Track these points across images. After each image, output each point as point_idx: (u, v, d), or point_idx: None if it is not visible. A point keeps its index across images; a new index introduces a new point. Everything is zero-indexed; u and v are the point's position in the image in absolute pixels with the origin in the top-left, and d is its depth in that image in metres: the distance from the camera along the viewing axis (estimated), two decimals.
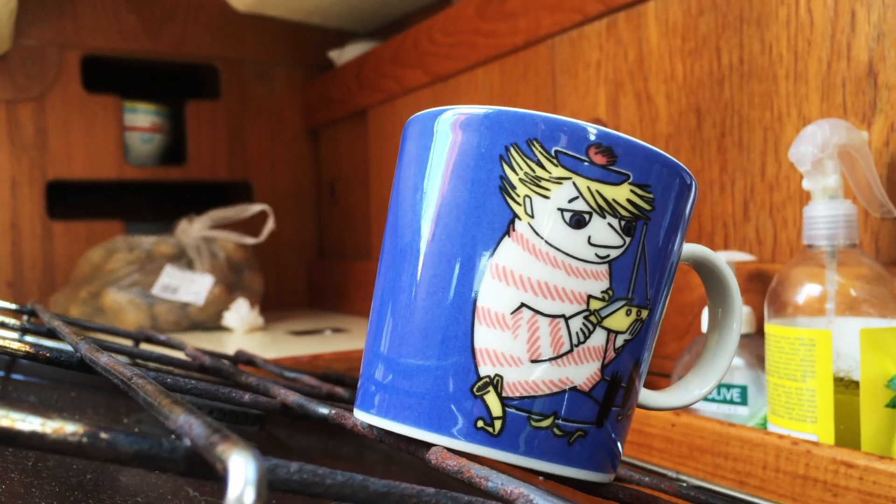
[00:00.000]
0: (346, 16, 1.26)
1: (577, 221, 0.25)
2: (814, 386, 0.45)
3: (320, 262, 1.33)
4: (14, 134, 1.12)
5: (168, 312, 1.00)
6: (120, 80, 1.27)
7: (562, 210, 0.25)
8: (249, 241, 1.09)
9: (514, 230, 0.25)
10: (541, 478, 0.27)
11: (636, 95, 0.69)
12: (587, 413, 0.25)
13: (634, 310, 0.26)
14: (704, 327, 0.56)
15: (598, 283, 0.25)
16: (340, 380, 0.53)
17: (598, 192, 0.25)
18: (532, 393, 0.25)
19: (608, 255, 0.25)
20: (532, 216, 0.25)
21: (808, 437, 0.44)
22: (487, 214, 0.25)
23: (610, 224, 0.25)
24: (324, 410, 0.29)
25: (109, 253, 1.03)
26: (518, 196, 0.25)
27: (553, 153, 0.25)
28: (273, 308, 1.28)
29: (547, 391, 0.25)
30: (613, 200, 0.25)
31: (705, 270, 0.30)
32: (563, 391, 0.25)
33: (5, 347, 0.29)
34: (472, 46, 0.88)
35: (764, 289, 0.57)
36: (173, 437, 0.17)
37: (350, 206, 1.24)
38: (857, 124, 0.52)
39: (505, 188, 0.25)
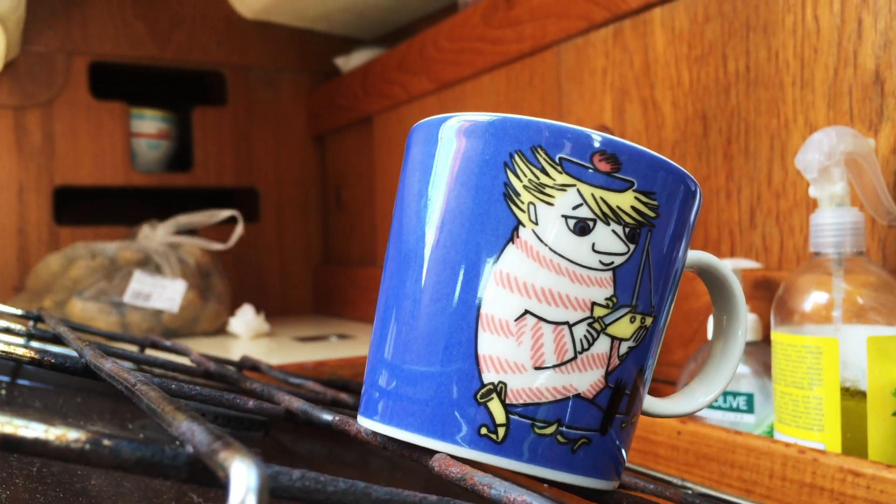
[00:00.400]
0: (353, 23, 1.27)
1: (582, 228, 0.25)
2: (820, 394, 0.44)
3: (326, 269, 1.33)
4: (22, 140, 1.13)
5: (142, 320, 0.97)
6: (127, 87, 1.28)
7: (566, 217, 0.25)
8: (217, 246, 1.06)
9: (517, 237, 0.25)
10: (546, 485, 0.27)
11: (642, 102, 0.69)
12: (591, 420, 0.25)
13: (639, 317, 0.26)
14: (710, 335, 0.55)
15: (602, 291, 0.25)
16: (345, 386, 0.53)
17: (602, 199, 0.25)
18: (536, 400, 0.25)
19: (612, 263, 0.25)
20: (536, 223, 0.25)
21: (815, 445, 0.44)
22: (491, 221, 0.25)
23: (614, 231, 0.25)
24: (328, 417, 0.29)
25: (70, 260, 0.98)
26: (522, 203, 0.25)
27: (557, 160, 0.25)
28: (278, 314, 1.28)
29: (551, 398, 0.25)
30: (618, 207, 0.25)
31: (710, 277, 0.30)
32: (567, 398, 0.25)
33: (11, 353, 0.29)
34: (478, 53, 0.88)
35: (770, 296, 0.57)
36: (177, 443, 0.17)
37: (355, 212, 1.25)
38: (863, 132, 0.52)
39: (509, 195, 0.25)
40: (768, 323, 0.55)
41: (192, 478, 0.16)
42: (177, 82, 1.34)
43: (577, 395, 0.25)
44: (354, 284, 1.22)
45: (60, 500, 0.32)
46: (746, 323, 0.30)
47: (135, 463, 0.15)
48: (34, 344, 0.47)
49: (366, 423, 0.27)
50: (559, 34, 0.76)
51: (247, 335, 1.01)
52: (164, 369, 0.42)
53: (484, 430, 0.24)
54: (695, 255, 0.29)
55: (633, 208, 0.25)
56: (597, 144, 0.25)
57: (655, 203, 0.25)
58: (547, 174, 0.25)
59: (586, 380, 0.25)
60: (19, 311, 0.50)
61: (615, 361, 0.25)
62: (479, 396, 0.24)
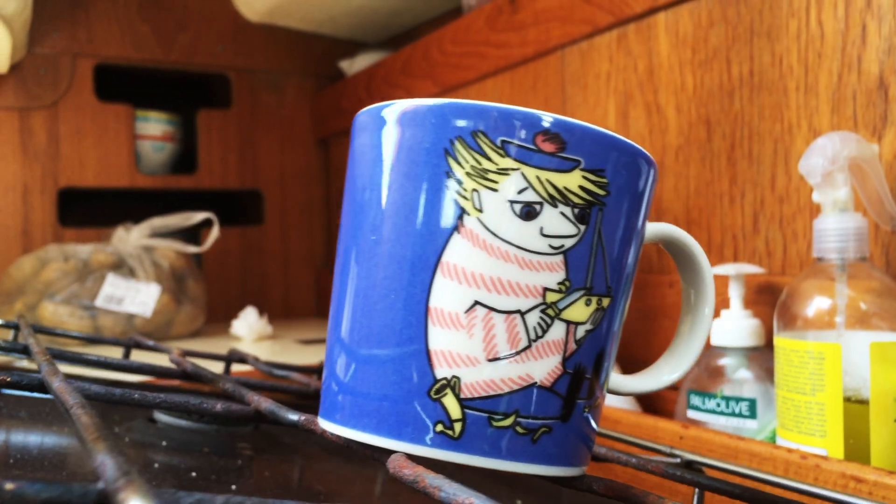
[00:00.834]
0: (357, 26, 1.27)
1: (528, 213, 0.24)
2: (823, 400, 0.44)
3: (329, 271, 1.33)
4: (27, 142, 1.13)
5: (114, 324, 0.96)
6: (132, 89, 1.28)
7: (511, 202, 0.24)
8: (193, 249, 1.05)
9: (463, 226, 0.24)
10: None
11: (646, 107, 0.69)
12: (550, 408, 0.25)
13: (594, 299, 0.25)
14: (714, 339, 0.55)
15: (553, 275, 0.24)
16: None
17: (548, 180, 0.24)
18: (491, 392, 0.24)
19: (562, 245, 0.24)
20: (481, 210, 0.24)
21: (818, 451, 0.44)
22: (435, 211, 0.24)
23: (562, 213, 0.24)
24: (294, 417, 0.29)
25: (42, 262, 0.97)
26: (465, 191, 0.24)
27: (499, 144, 0.24)
28: (281, 317, 1.28)
29: (507, 389, 0.24)
30: (565, 188, 0.24)
31: (674, 249, 0.29)
32: (524, 388, 0.24)
33: None
34: (483, 57, 0.88)
35: (773, 301, 0.57)
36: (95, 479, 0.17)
37: None
38: (867, 137, 0.52)
39: (451, 183, 0.24)
40: (771, 328, 0.55)
41: None
42: (182, 85, 1.34)
43: (535, 384, 0.24)
44: None
45: None
46: (713, 297, 0.29)
47: None
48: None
49: (326, 425, 0.26)
50: (563, 38, 0.76)
51: (249, 338, 1.01)
52: (140, 373, 0.41)
53: (440, 427, 0.24)
54: (656, 228, 0.28)
55: (582, 188, 0.24)
56: (539, 125, 0.24)
57: (605, 181, 0.25)
58: (489, 159, 0.24)
59: (543, 368, 0.24)
60: (1, 321, 0.50)
61: (572, 346, 0.25)
62: (432, 393, 0.24)
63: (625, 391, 0.29)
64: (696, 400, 0.55)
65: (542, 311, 0.24)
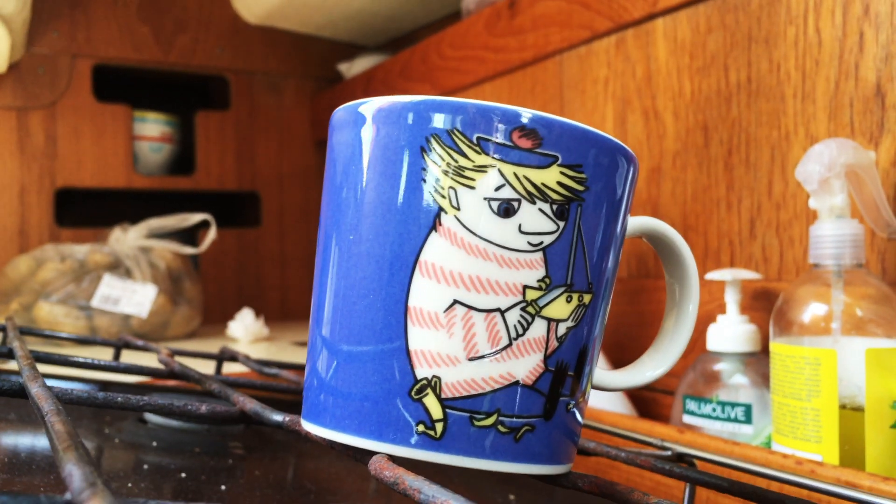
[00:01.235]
0: (356, 29, 1.27)
1: (506, 210, 0.24)
2: (818, 405, 0.44)
3: None
4: (24, 141, 1.13)
5: (110, 324, 0.95)
6: (130, 90, 1.28)
7: (489, 199, 0.24)
8: (190, 251, 1.05)
9: (440, 224, 0.24)
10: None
11: (644, 112, 0.69)
12: (533, 407, 0.24)
13: (575, 296, 0.25)
14: (709, 344, 0.56)
15: (532, 272, 0.24)
16: None
17: (525, 177, 0.24)
18: (472, 392, 0.24)
19: (541, 242, 0.24)
20: (458, 208, 0.23)
21: (813, 456, 0.44)
22: (412, 210, 0.24)
23: (541, 209, 0.24)
24: (278, 418, 0.29)
25: (39, 262, 0.96)
26: (442, 188, 0.24)
27: (475, 140, 0.23)
28: (278, 318, 1.28)
29: (488, 388, 0.24)
30: (543, 185, 0.24)
31: (658, 243, 0.29)
32: (505, 387, 0.24)
33: None
34: (481, 61, 0.88)
35: (769, 307, 0.57)
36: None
37: None
38: (864, 144, 0.52)
39: (428, 181, 0.24)
40: (767, 334, 0.55)
41: None
42: (180, 86, 1.34)
43: (516, 383, 0.24)
44: None
45: None
46: (698, 292, 0.29)
47: None
48: None
49: (309, 427, 0.26)
50: (562, 43, 0.77)
51: (246, 339, 1.01)
52: (127, 374, 0.41)
53: (422, 428, 0.24)
54: (639, 221, 0.28)
55: (560, 184, 0.24)
56: (515, 121, 0.24)
57: (583, 176, 0.24)
58: (465, 156, 0.24)
59: (524, 366, 0.24)
60: None
61: (553, 344, 0.25)
62: (413, 393, 0.24)
63: (609, 387, 0.29)
64: (691, 405, 0.55)
65: (523, 309, 0.24)
